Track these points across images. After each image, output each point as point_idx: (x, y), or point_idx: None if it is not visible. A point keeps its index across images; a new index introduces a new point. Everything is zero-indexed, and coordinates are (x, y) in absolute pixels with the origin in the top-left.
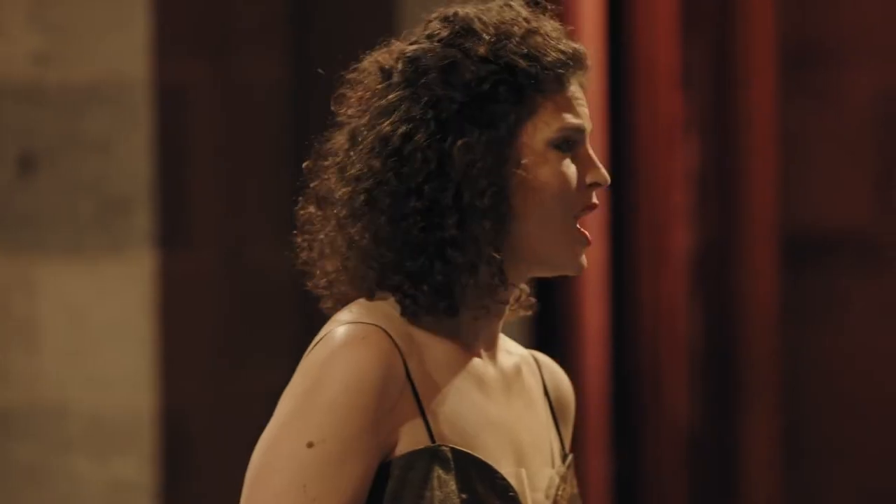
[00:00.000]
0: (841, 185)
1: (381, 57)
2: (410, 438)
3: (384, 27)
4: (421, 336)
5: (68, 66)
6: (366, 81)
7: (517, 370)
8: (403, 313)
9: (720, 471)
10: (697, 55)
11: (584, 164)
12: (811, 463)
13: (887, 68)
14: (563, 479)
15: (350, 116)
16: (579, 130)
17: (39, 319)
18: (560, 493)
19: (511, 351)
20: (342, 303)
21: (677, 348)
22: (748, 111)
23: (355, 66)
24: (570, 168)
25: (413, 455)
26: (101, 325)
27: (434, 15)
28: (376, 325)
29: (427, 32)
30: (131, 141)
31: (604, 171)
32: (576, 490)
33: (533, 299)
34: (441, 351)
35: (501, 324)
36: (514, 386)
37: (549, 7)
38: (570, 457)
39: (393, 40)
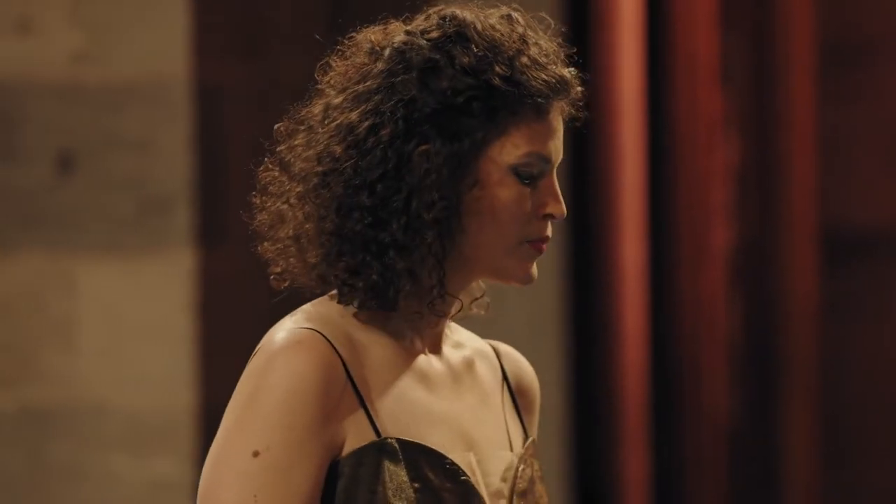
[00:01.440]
0: (881, 181)
1: (374, 35)
2: (356, 436)
3: None
4: (361, 338)
5: (107, 65)
6: (353, 57)
7: (468, 363)
8: (340, 301)
9: (760, 468)
10: (737, 51)
11: (544, 194)
12: (851, 459)
13: None
14: (522, 460)
15: (331, 86)
16: (545, 161)
17: (78, 318)
18: (519, 475)
19: (463, 343)
20: (291, 273)
21: (717, 345)
22: (788, 108)
23: (352, 34)
24: (526, 196)
25: (361, 451)
26: (139, 323)
27: (436, 9)
28: (313, 329)
29: (423, 27)
30: (170, 139)
31: (562, 204)
32: (540, 473)
33: (488, 300)
34: (382, 351)
35: (447, 322)
36: (463, 379)
37: (552, 25)
38: (530, 440)
39: (392, 20)
